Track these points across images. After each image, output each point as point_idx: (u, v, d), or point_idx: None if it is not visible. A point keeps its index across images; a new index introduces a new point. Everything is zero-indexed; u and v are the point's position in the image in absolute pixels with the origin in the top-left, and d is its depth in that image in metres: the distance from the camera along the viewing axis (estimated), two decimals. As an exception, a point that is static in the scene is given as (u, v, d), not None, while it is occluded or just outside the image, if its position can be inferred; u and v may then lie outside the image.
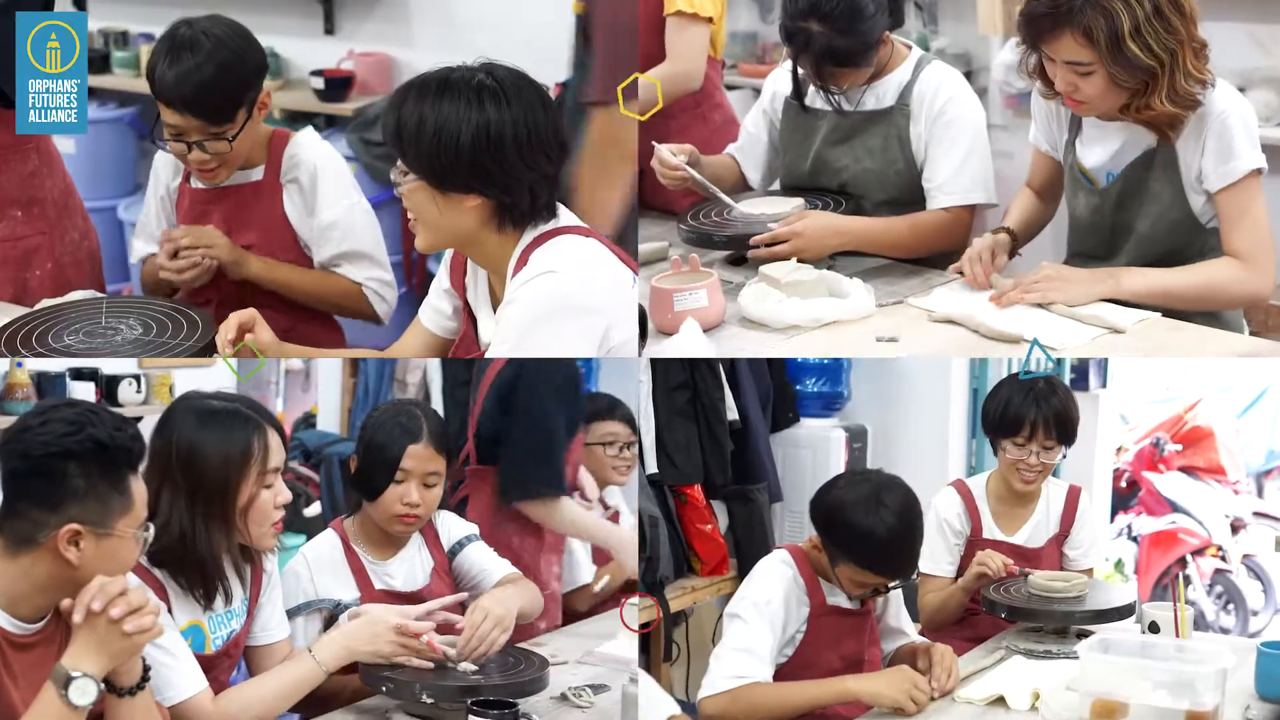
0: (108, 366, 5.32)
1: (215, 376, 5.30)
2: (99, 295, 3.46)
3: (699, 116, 4.07)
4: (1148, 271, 3.21)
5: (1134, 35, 2.98)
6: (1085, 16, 3.00)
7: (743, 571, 4.35)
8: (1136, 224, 3.27)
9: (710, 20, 4.02)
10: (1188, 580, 5.96)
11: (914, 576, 2.99)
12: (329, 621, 2.98)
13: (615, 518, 4.17)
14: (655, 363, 4.26)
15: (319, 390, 5.74)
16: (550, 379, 3.59)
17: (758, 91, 5.19)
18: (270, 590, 2.79)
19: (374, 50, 6.11)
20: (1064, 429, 3.53)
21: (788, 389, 4.85)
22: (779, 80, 3.74)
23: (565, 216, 2.84)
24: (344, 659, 2.72)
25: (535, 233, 2.78)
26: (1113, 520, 6.02)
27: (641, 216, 3.89)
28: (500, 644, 2.86)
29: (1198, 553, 6.01)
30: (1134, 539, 6.10)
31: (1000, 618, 3.38)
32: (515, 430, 3.63)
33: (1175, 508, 6.07)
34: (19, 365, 4.94)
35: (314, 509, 5.18)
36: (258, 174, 3.43)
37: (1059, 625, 3.32)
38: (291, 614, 2.93)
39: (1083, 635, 3.14)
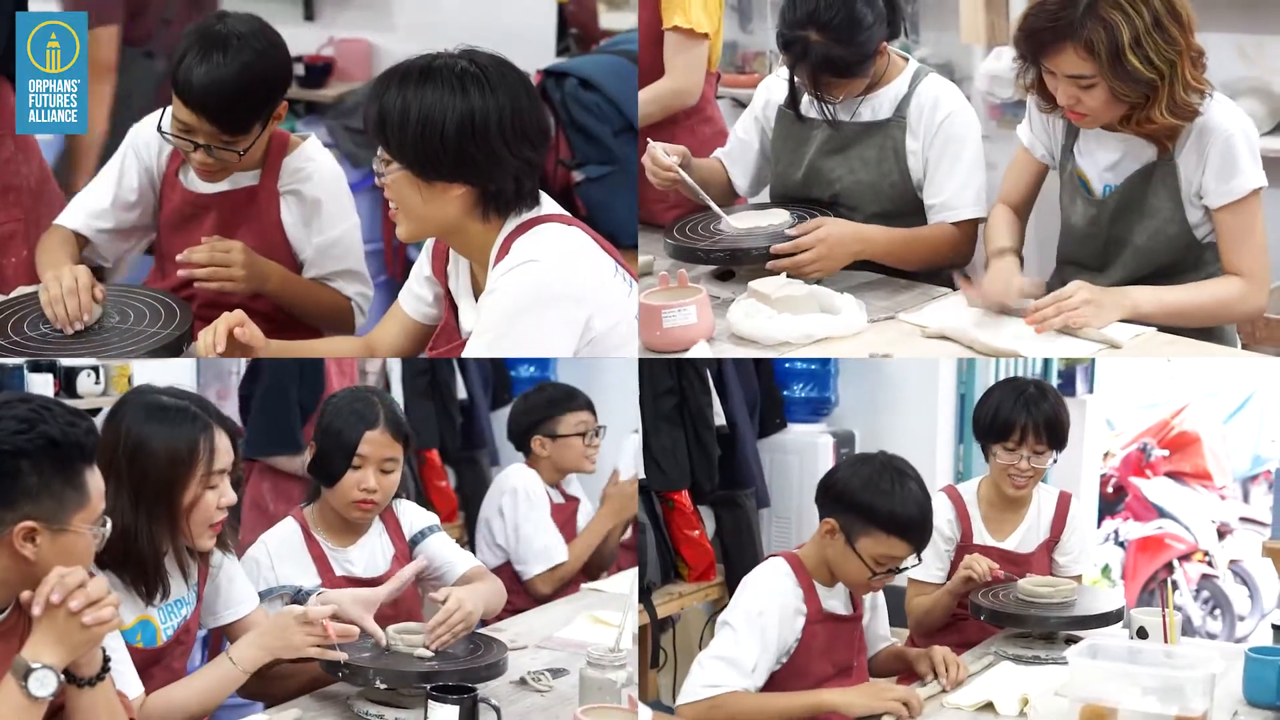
0: (66, 358, 5.27)
1: (176, 370, 5.25)
2: None
3: (687, 129, 4.05)
4: (1157, 290, 3.18)
5: (1134, 47, 2.97)
6: (1086, 29, 2.98)
7: (730, 577, 4.37)
8: (1133, 237, 3.25)
9: (707, 36, 4.01)
10: (1174, 585, 5.96)
11: (919, 560, 2.97)
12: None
13: (575, 506, 4.21)
14: (643, 369, 4.26)
15: None
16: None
17: (737, 101, 5.20)
18: (222, 570, 2.78)
19: (354, 36, 6.07)
20: (1055, 434, 3.53)
21: (775, 394, 4.86)
22: (773, 88, 3.70)
23: (548, 204, 2.82)
24: (260, 658, 2.68)
25: (518, 221, 2.76)
26: (1099, 526, 6.02)
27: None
28: (460, 636, 2.87)
29: (1184, 558, 6.03)
30: (1121, 544, 6.11)
31: (988, 623, 3.38)
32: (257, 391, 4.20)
33: (1162, 513, 6.08)
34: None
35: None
36: (254, 178, 3.33)
37: (1047, 631, 3.31)
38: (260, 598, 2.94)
39: (1071, 641, 3.15)
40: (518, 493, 4.10)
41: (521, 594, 4.00)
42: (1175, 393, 6.24)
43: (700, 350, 3.10)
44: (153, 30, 4.82)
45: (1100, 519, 6.02)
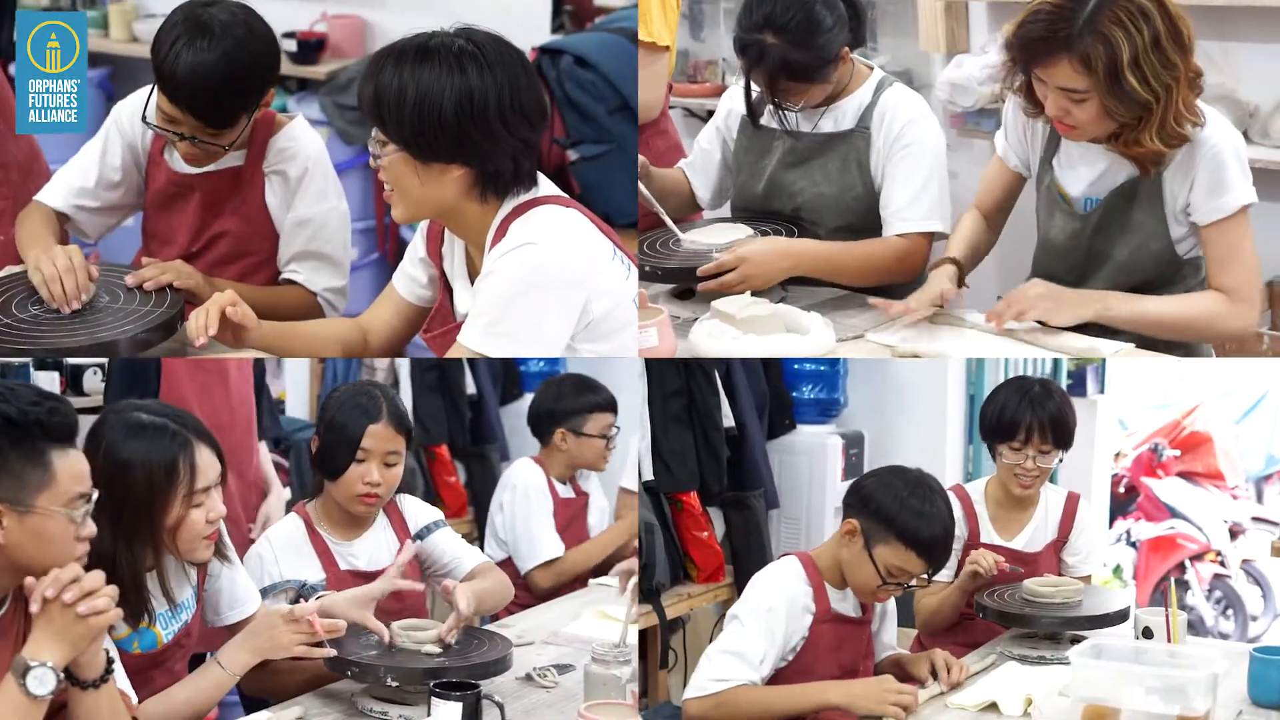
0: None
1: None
2: None
3: (642, 143, 3.98)
4: (1135, 298, 3.14)
5: (1132, 66, 2.90)
6: (1084, 44, 2.90)
7: (739, 578, 4.37)
8: (1114, 252, 3.20)
9: (668, 49, 3.95)
10: (1186, 585, 5.96)
11: (929, 580, 2.97)
12: (295, 602, 2.98)
13: (586, 500, 4.23)
14: (651, 370, 4.27)
15: (287, 376, 5.72)
16: None
17: (689, 110, 5.14)
18: (223, 574, 2.77)
19: (347, 12, 6.01)
20: (1060, 433, 3.51)
21: (784, 396, 4.86)
22: (735, 98, 3.63)
23: (545, 186, 2.78)
24: (249, 661, 2.67)
25: (515, 202, 2.73)
26: (1111, 526, 6.02)
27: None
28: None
29: (1196, 558, 6.02)
30: (1133, 544, 6.10)
31: (994, 623, 3.38)
32: None
33: (1174, 513, 6.07)
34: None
35: (284, 494, 5.18)
36: (239, 159, 3.27)
37: (1051, 631, 3.31)
38: (263, 594, 2.95)
39: (1077, 641, 3.15)
40: (517, 489, 4.11)
41: (524, 589, 4.00)
42: (1187, 393, 6.23)
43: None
44: None
45: (1112, 519, 6.02)
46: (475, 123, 2.60)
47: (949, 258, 3.33)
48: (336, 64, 5.83)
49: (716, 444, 4.45)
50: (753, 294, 3.23)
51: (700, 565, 4.40)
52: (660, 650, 4.25)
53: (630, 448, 4.34)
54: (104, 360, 5.27)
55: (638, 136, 3.91)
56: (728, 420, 4.50)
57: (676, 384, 4.37)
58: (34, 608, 2.15)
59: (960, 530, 3.59)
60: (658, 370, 4.27)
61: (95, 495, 2.25)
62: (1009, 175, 3.42)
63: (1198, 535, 6.02)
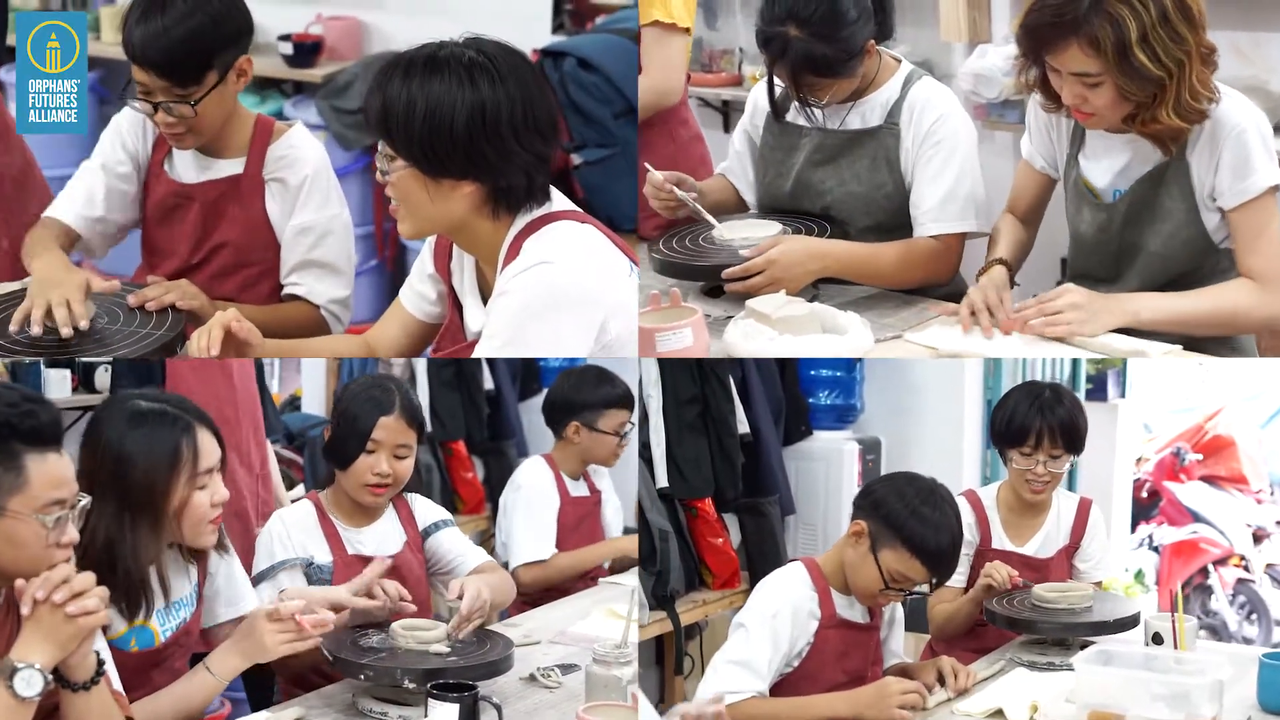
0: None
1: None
2: None
3: (665, 134, 3.93)
4: (1161, 297, 3.09)
5: (1141, 43, 2.89)
6: (1091, 25, 2.90)
7: (754, 584, 4.35)
8: (1146, 242, 3.15)
9: (688, 31, 3.87)
10: (1209, 590, 5.92)
11: (930, 591, 2.95)
12: (306, 579, 3.04)
13: (599, 499, 4.21)
14: (665, 376, 4.26)
15: (304, 374, 5.73)
16: None
17: (704, 101, 5.02)
18: (220, 572, 2.77)
19: (343, 14, 5.93)
20: (1071, 438, 3.50)
21: (800, 401, 4.85)
22: (761, 94, 3.57)
23: (558, 200, 2.72)
24: (238, 666, 2.67)
25: (528, 218, 2.67)
26: (1134, 531, 5.98)
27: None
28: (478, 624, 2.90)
29: (1220, 563, 5.98)
30: (1155, 549, 6.07)
31: (1004, 629, 3.37)
32: None
33: (1197, 518, 6.03)
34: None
35: (297, 491, 5.20)
36: (239, 166, 3.26)
37: (1058, 636, 3.29)
38: (270, 571, 2.98)
39: (1086, 647, 3.13)
40: (521, 489, 4.09)
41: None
42: (1210, 397, 6.19)
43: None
44: None
45: (1134, 524, 5.99)
46: (487, 137, 2.54)
47: (997, 259, 3.29)
48: (333, 66, 5.75)
49: (731, 450, 4.44)
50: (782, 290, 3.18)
51: (715, 572, 4.39)
52: (676, 657, 4.25)
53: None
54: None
55: (639, 135, 3.84)
56: (743, 426, 4.49)
57: (691, 390, 4.36)
58: (24, 610, 2.16)
59: (972, 536, 3.58)
60: (672, 376, 4.26)
61: (83, 502, 2.25)
62: (1038, 178, 3.39)
63: (1221, 540, 5.98)
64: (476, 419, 5.03)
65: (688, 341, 2.94)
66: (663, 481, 4.36)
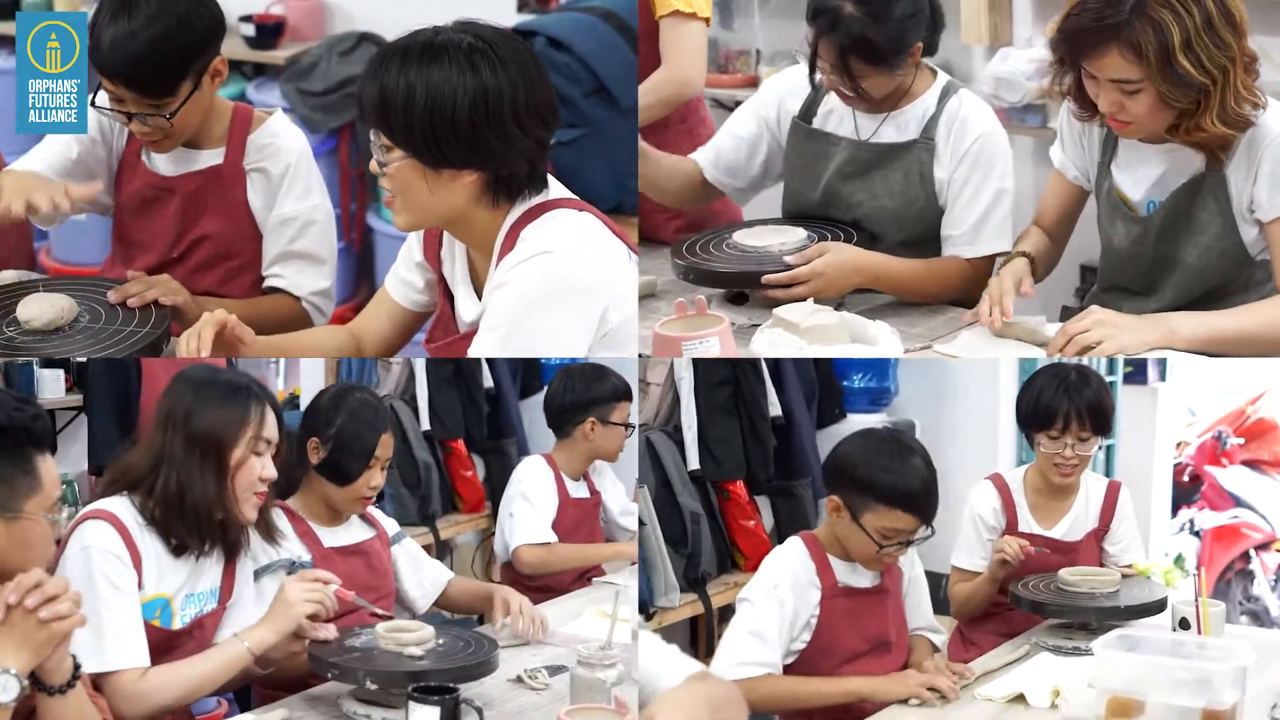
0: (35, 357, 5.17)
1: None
2: (32, 276, 3.24)
3: (684, 131, 3.85)
4: (1199, 316, 3.00)
5: (1185, 49, 2.82)
6: (1133, 30, 2.82)
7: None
8: (1182, 256, 3.08)
9: (708, 21, 3.80)
10: (1250, 575, 5.86)
11: (932, 532, 2.92)
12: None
13: (598, 500, 4.18)
14: (696, 360, 4.25)
15: (302, 373, 5.73)
16: None
17: (718, 102, 4.93)
18: (243, 588, 2.78)
19: None
20: (1098, 420, 3.46)
21: (834, 385, 4.84)
22: (784, 89, 3.49)
23: (556, 189, 2.68)
24: (267, 637, 2.66)
25: (525, 206, 2.62)
26: (1174, 515, 5.93)
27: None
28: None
29: (1261, 548, 5.91)
30: (1196, 534, 6.01)
31: (1030, 613, 3.35)
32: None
33: (1238, 502, 5.96)
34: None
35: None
36: (218, 157, 3.18)
37: (1080, 620, 3.27)
38: (256, 575, 2.94)
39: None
40: (521, 483, 4.06)
41: (524, 588, 3.95)
42: (1252, 379, 6.12)
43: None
44: None
45: (1175, 508, 5.93)
46: (490, 125, 2.49)
47: (1020, 251, 3.25)
48: (296, 47, 5.60)
49: (763, 433, 4.44)
50: (817, 301, 3.13)
51: (747, 554, 4.40)
52: (707, 639, 4.26)
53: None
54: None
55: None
56: (775, 409, 4.48)
57: (722, 373, 4.36)
58: None
59: (997, 520, 3.57)
60: (703, 359, 4.25)
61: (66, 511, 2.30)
62: (1069, 189, 3.31)
63: (1263, 524, 5.91)
64: (476, 417, 4.99)
65: (714, 351, 2.89)
66: (694, 464, 4.36)
